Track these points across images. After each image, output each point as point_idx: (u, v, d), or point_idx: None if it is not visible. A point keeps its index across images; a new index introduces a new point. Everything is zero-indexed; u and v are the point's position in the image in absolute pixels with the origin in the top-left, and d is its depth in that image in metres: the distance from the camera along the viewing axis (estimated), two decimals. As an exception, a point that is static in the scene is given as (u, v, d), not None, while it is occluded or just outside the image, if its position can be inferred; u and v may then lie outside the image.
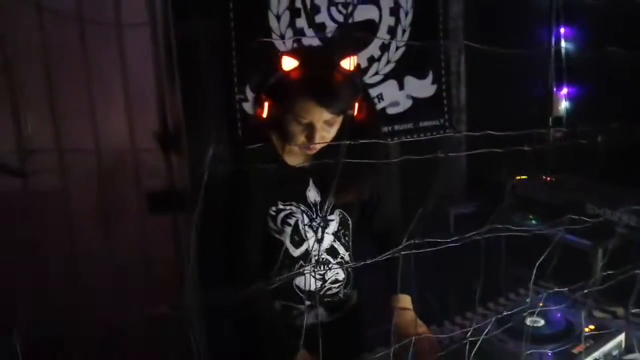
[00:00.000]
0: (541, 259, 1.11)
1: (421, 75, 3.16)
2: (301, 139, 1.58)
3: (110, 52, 2.42)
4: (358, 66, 1.59)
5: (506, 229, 0.96)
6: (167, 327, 2.60)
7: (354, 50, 1.57)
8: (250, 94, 2.63)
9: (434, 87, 3.22)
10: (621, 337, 1.65)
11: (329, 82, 1.51)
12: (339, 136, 1.61)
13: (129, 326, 2.51)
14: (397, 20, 3.00)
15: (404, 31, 3.05)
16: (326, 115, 1.53)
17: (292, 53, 1.55)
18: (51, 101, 2.36)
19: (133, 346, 2.62)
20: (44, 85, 2.33)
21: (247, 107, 2.64)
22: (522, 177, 3.27)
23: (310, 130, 1.56)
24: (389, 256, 1.81)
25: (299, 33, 2.72)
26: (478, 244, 1.07)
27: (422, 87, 3.17)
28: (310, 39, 2.77)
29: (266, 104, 1.58)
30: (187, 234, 2.60)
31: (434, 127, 3.28)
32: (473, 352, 1.16)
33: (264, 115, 1.60)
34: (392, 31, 3.03)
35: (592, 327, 1.71)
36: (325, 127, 1.57)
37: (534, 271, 1.11)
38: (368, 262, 0.99)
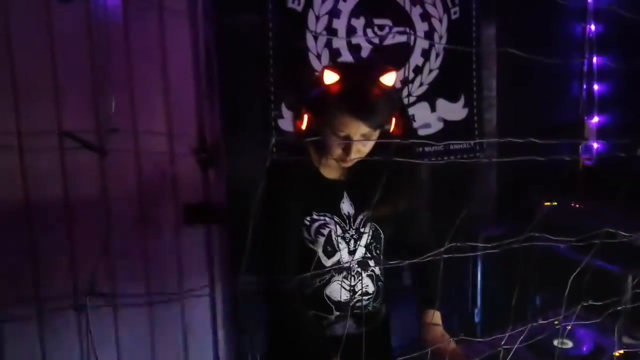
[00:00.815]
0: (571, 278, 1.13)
1: (453, 99, 3.20)
2: (338, 152, 1.63)
3: (153, 68, 2.51)
4: (399, 82, 1.64)
5: (544, 237, 0.99)
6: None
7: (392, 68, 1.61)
8: (286, 111, 2.69)
9: (466, 110, 3.25)
10: None
11: (367, 96, 1.55)
12: (375, 151, 1.66)
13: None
14: (431, 44, 3.05)
15: (437, 55, 3.10)
16: (363, 129, 1.57)
17: (333, 67, 1.60)
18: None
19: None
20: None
21: (283, 123, 2.70)
22: (552, 203, 3.27)
23: (347, 144, 1.60)
24: (421, 268, 1.86)
25: (335, 53, 2.78)
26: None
27: (454, 110, 3.21)
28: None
29: (305, 117, 1.64)
30: (220, 244, 2.66)
31: (464, 150, 3.30)
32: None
33: (303, 127, 1.65)
34: (425, 54, 3.07)
35: (621, 351, 1.72)
36: (366, 142, 1.61)
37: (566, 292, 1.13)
38: (399, 263, 1.02)
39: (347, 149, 1.61)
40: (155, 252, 2.59)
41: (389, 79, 1.61)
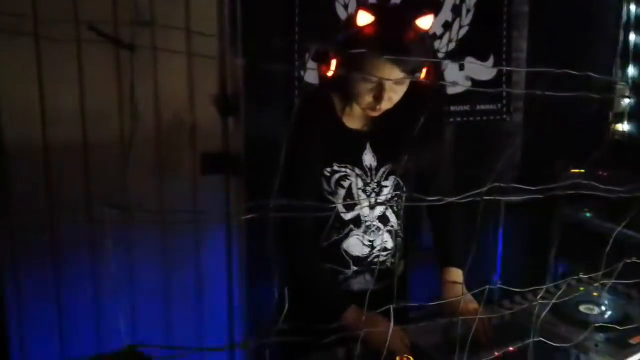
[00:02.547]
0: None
1: (482, 58, 3.10)
2: (368, 99, 1.56)
3: (175, 13, 2.44)
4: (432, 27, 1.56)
5: (591, 185, 0.92)
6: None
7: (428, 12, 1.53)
8: (310, 63, 2.61)
9: (494, 71, 3.16)
10: None
11: (403, 39, 1.48)
12: (402, 102, 1.59)
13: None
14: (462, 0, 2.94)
15: (468, 11, 2.99)
16: (397, 74, 1.49)
17: (368, 8, 1.52)
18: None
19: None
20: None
21: (306, 75, 2.63)
22: (578, 170, 3.19)
23: (378, 90, 1.54)
24: (443, 225, 1.81)
25: (363, 2, 2.68)
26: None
27: (482, 70, 3.11)
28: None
29: (333, 62, 1.57)
30: (237, 195, 2.62)
31: (490, 111, 3.22)
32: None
33: (330, 73, 1.58)
34: (456, 9, 2.98)
35: None
36: (394, 87, 1.55)
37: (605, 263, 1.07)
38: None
39: (378, 96, 1.55)
40: (171, 201, 2.55)
41: (425, 22, 1.54)
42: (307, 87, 2.48)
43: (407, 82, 1.55)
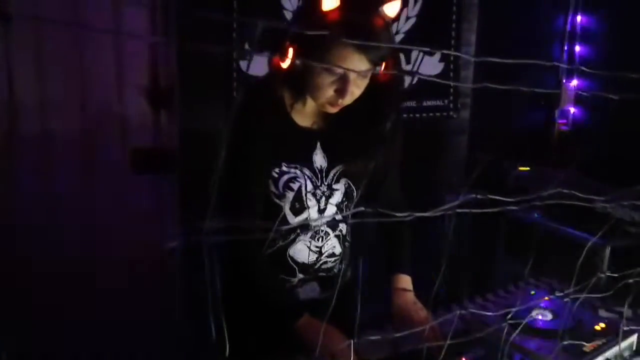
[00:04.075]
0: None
1: (429, 52, 3.00)
2: (329, 93, 1.43)
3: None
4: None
5: (573, 194, 0.81)
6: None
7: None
8: (249, 50, 2.46)
9: (441, 65, 3.06)
10: (633, 339, 1.58)
11: (373, 27, 1.36)
12: (359, 97, 1.46)
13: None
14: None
15: (415, 1, 2.88)
16: (364, 64, 1.37)
17: None
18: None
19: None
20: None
21: (244, 64, 2.47)
22: (524, 168, 3.16)
23: (342, 82, 1.41)
24: (392, 231, 1.71)
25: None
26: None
27: (429, 64, 3.01)
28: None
29: (290, 52, 1.41)
30: (171, 193, 2.46)
31: (437, 107, 3.13)
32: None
33: (285, 65, 1.43)
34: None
35: (602, 325, 1.62)
36: (358, 81, 1.42)
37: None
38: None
39: (342, 90, 1.41)
40: (100, 201, 2.37)
41: (392, 8, 1.42)
42: (250, 79, 2.32)
43: (369, 75, 1.43)
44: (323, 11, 1.35)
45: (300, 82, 1.46)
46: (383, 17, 1.39)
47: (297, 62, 1.41)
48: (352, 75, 1.39)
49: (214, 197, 0.61)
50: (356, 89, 1.43)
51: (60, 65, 2.22)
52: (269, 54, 1.48)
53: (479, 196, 0.76)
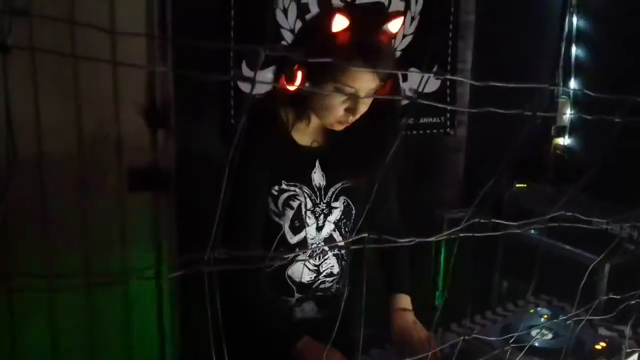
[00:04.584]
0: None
1: (427, 69, 3.01)
2: (340, 112, 1.44)
3: (99, 17, 2.24)
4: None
5: (574, 217, 0.81)
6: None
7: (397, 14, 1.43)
8: (246, 70, 2.45)
9: (438, 82, 3.07)
10: (634, 358, 1.57)
11: (381, 45, 1.39)
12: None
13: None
14: (407, 6, 2.83)
15: (412, 19, 2.89)
16: (375, 82, 1.40)
17: (343, 12, 1.39)
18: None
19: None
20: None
21: (242, 84, 2.47)
22: (521, 185, 3.15)
23: (353, 101, 1.42)
24: (389, 250, 1.70)
25: (303, 9, 2.55)
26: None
27: (427, 81, 3.02)
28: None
29: (299, 74, 1.41)
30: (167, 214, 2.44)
31: (434, 124, 3.12)
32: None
33: (294, 87, 1.42)
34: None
35: (603, 344, 1.61)
36: (365, 99, 1.43)
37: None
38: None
39: (353, 108, 1.42)
40: (96, 221, 2.34)
41: (395, 25, 1.44)
42: (253, 99, 2.31)
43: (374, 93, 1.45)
44: (332, 32, 1.36)
45: (308, 103, 1.46)
46: (388, 34, 1.43)
47: (307, 85, 1.41)
48: (363, 93, 1.40)
49: (216, 225, 0.60)
50: (363, 106, 1.44)
51: (57, 85, 2.21)
52: (273, 77, 1.50)
53: (482, 220, 0.75)
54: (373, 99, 1.46)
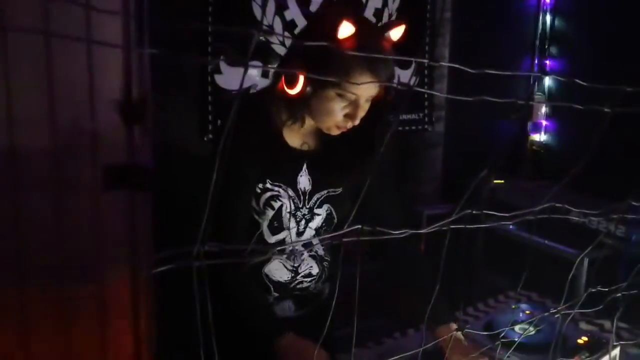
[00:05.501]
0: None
1: (403, 66, 3.00)
2: (339, 117, 1.42)
3: (73, 8, 2.19)
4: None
5: (565, 209, 0.80)
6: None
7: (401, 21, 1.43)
8: (224, 67, 2.42)
9: (416, 79, 3.07)
10: (616, 352, 1.57)
11: (384, 52, 1.38)
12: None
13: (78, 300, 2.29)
14: (385, 3, 2.82)
15: (390, 15, 2.89)
16: (376, 89, 1.40)
17: (349, 19, 1.36)
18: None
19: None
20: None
21: (220, 79, 2.44)
22: (499, 181, 3.18)
23: (354, 107, 1.41)
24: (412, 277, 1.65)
25: (281, 4, 2.52)
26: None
27: (404, 78, 3.01)
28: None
29: (301, 79, 1.39)
30: (145, 211, 2.39)
31: (412, 121, 3.13)
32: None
33: (294, 92, 1.40)
34: (378, 13, 2.86)
35: (585, 338, 1.62)
36: (365, 104, 1.42)
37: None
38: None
39: (353, 114, 1.41)
40: (70, 219, 2.29)
41: (397, 33, 1.42)
42: (228, 94, 2.29)
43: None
44: (337, 38, 1.33)
45: (306, 106, 1.44)
46: (390, 41, 1.41)
47: (304, 89, 1.39)
48: (363, 98, 1.40)
49: (205, 219, 0.58)
50: (362, 112, 1.43)
51: (29, 78, 2.15)
52: (272, 79, 1.51)
53: (475, 212, 0.73)
54: (368, 108, 1.45)
